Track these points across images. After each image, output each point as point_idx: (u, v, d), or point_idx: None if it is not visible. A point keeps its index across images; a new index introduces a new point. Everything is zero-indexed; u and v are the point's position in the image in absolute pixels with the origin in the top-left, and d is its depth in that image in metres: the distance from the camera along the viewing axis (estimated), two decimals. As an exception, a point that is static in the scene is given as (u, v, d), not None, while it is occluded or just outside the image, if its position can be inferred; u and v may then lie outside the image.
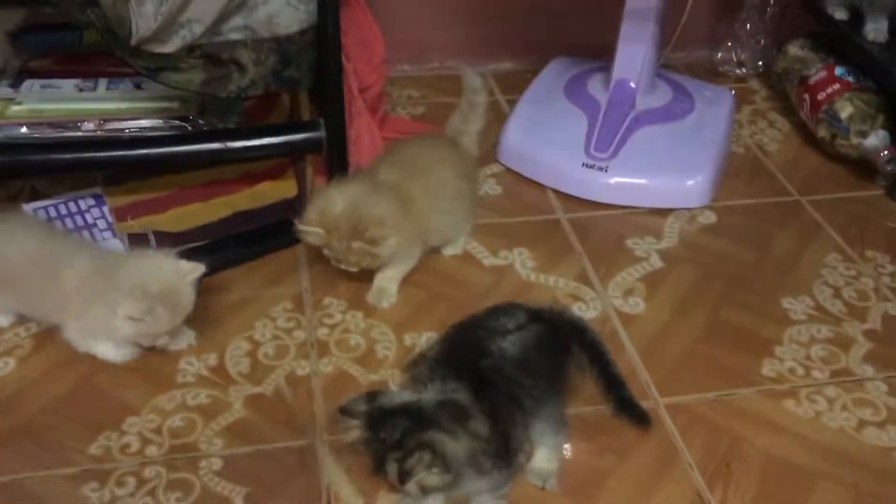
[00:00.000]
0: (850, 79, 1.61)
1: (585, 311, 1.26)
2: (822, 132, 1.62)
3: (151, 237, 1.30)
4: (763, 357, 1.20)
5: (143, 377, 1.13)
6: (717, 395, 1.14)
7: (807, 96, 1.66)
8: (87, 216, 1.34)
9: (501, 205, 1.49)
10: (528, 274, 1.33)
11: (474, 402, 0.89)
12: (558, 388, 0.99)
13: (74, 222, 1.33)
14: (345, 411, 0.89)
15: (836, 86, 1.61)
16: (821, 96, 1.62)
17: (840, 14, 1.66)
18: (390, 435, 0.85)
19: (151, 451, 1.03)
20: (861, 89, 1.59)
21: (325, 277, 1.27)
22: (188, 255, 1.28)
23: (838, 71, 1.63)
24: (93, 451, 1.03)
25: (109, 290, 1.06)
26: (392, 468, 0.84)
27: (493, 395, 0.91)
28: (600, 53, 1.65)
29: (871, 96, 1.57)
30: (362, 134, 1.43)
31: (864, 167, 1.58)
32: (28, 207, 1.33)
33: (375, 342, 1.20)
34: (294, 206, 1.35)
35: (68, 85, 1.38)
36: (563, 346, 1.00)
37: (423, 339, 1.20)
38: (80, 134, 1.30)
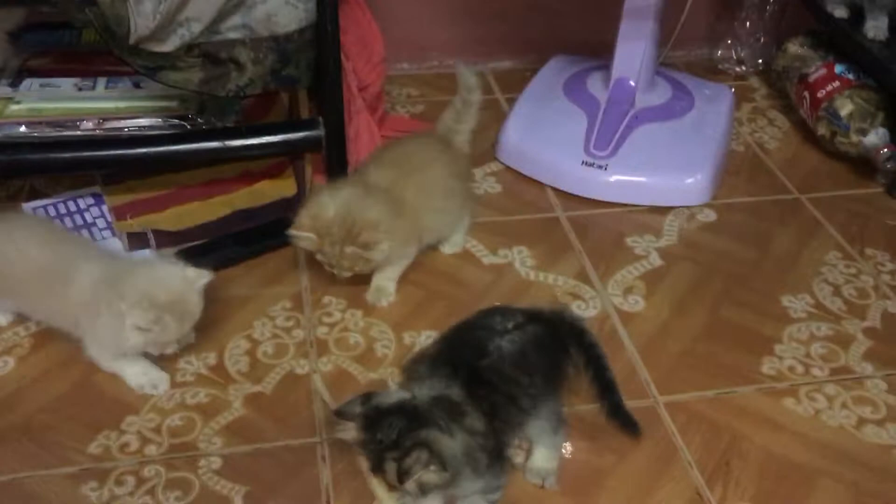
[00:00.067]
0: (850, 76, 1.60)
1: (585, 309, 1.26)
2: (822, 130, 1.62)
3: (150, 236, 1.30)
4: (763, 355, 1.20)
5: (142, 376, 1.13)
6: (716, 394, 1.14)
7: (806, 94, 1.65)
8: (87, 215, 1.34)
9: (501, 203, 1.49)
10: (527, 272, 1.33)
11: (469, 399, 0.89)
12: (556, 387, 0.99)
13: (73, 221, 1.33)
14: (340, 414, 0.88)
15: (836, 83, 1.60)
16: (821, 94, 1.61)
17: (840, 12, 1.66)
18: (387, 435, 0.85)
19: (151, 450, 1.03)
20: (861, 87, 1.58)
21: (324, 276, 1.27)
22: (187, 253, 1.29)
23: (838, 69, 1.63)
24: (92, 450, 1.03)
25: (116, 299, 1.04)
26: (390, 468, 0.84)
27: (490, 394, 0.91)
28: (600, 52, 1.64)
29: (870, 94, 1.57)
30: (361, 132, 1.43)
31: (863, 165, 1.58)
32: (27, 206, 1.33)
33: (374, 341, 1.20)
34: (293, 205, 1.35)
35: (67, 84, 1.38)
36: (560, 346, 1.00)
37: (423, 337, 1.20)
38: (78, 133, 1.30)
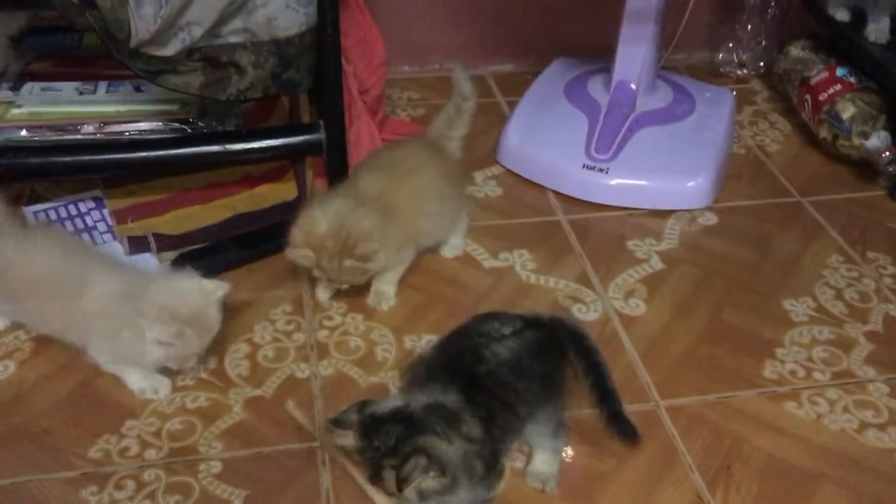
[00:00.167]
0: (852, 79, 1.60)
1: (586, 312, 1.26)
2: (824, 133, 1.61)
3: (151, 239, 1.30)
4: (764, 359, 1.19)
5: (142, 380, 1.13)
6: (717, 397, 1.13)
7: (808, 97, 1.65)
8: (88, 219, 1.34)
9: (502, 206, 1.49)
10: (528, 275, 1.33)
11: (466, 405, 0.89)
12: (554, 393, 0.98)
13: (74, 225, 1.33)
14: (337, 423, 0.88)
15: (838, 86, 1.60)
16: (822, 97, 1.61)
17: (841, 15, 1.66)
18: (384, 442, 0.84)
19: (151, 454, 1.03)
20: (863, 90, 1.58)
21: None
22: (188, 257, 1.29)
23: (840, 72, 1.63)
24: (92, 454, 1.03)
25: (136, 314, 1.03)
26: (389, 475, 0.84)
27: (488, 400, 0.91)
28: (601, 55, 1.64)
29: (872, 97, 1.57)
30: (362, 136, 1.43)
31: (865, 168, 1.57)
32: (28, 210, 1.33)
33: (375, 344, 1.20)
34: (294, 209, 1.35)
35: (68, 88, 1.39)
36: (559, 352, 1.00)
37: (423, 340, 1.20)
38: (79, 137, 1.30)
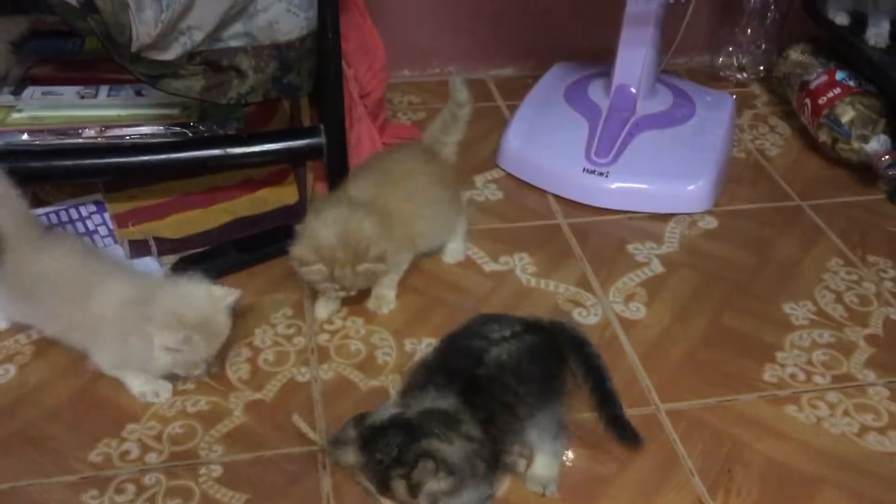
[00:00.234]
0: (852, 83, 1.60)
1: (586, 316, 1.26)
2: (824, 137, 1.62)
3: (152, 243, 1.30)
4: (764, 362, 1.19)
5: (143, 384, 1.13)
6: (718, 401, 1.13)
7: (808, 101, 1.65)
8: (88, 222, 1.34)
9: (502, 210, 1.49)
10: (528, 279, 1.33)
11: (465, 407, 0.89)
12: (554, 396, 0.98)
13: (75, 228, 1.33)
14: (336, 442, 0.88)
15: (838, 90, 1.61)
16: (822, 101, 1.61)
17: (841, 19, 1.66)
18: (386, 454, 0.84)
19: (151, 458, 1.03)
20: (862, 94, 1.59)
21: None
22: (188, 261, 1.29)
23: (839, 75, 1.63)
24: (93, 458, 1.03)
25: (144, 319, 1.03)
26: (399, 485, 0.83)
27: (487, 402, 0.91)
28: (601, 59, 1.65)
29: (872, 101, 1.57)
30: (363, 140, 1.44)
31: (865, 172, 1.58)
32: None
33: (376, 348, 1.20)
34: (294, 213, 1.35)
35: (69, 92, 1.39)
36: (558, 356, 1.00)
37: (424, 344, 1.20)
38: (80, 141, 1.31)
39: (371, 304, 1.26)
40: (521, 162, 1.57)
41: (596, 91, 1.63)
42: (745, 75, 1.92)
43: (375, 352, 1.19)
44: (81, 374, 1.13)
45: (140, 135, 1.32)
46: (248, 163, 1.33)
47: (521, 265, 1.36)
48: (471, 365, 0.94)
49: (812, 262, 1.39)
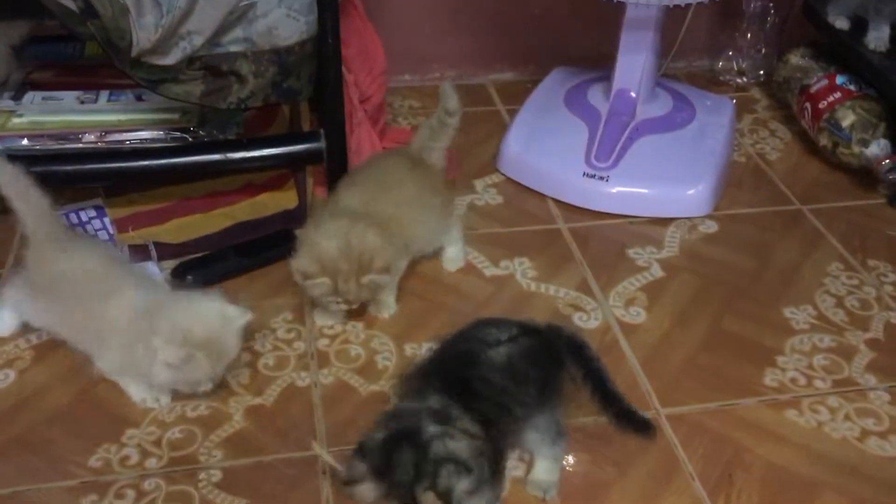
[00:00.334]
0: (852, 87, 1.60)
1: (586, 320, 1.26)
2: (824, 141, 1.62)
3: (152, 248, 1.30)
4: (765, 367, 1.19)
5: (143, 389, 1.13)
6: (718, 405, 1.13)
7: (808, 105, 1.65)
8: (88, 227, 1.34)
9: (502, 214, 1.49)
10: (528, 284, 1.33)
11: (462, 409, 0.89)
12: (551, 398, 0.98)
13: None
14: (349, 481, 0.86)
15: (838, 94, 1.61)
16: (822, 105, 1.61)
17: (841, 23, 1.66)
18: (404, 472, 0.82)
19: (151, 463, 1.03)
20: (862, 98, 1.59)
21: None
22: (188, 265, 1.29)
23: (839, 80, 1.63)
24: (92, 463, 1.03)
25: (150, 334, 1.01)
26: (428, 498, 0.82)
27: (483, 404, 0.91)
28: (601, 63, 1.65)
29: (872, 105, 1.57)
30: (363, 144, 1.44)
31: (865, 176, 1.57)
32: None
33: (376, 353, 1.20)
34: (295, 217, 1.35)
35: (70, 97, 1.39)
36: (555, 359, 1.00)
37: (424, 349, 1.20)
38: (81, 146, 1.31)
39: (371, 308, 1.26)
40: (521, 166, 1.57)
41: (596, 95, 1.63)
42: (745, 79, 1.92)
43: (375, 356, 1.19)
44: (81, 379, 1.13)
45: (140, 140, 1.32)
46: (248, 167, 1.33)
47: (522, 270, 1.36)
48: (467, 368, 0.94)
49: (812, 267, 1.39)
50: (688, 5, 1.41)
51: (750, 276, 1.36)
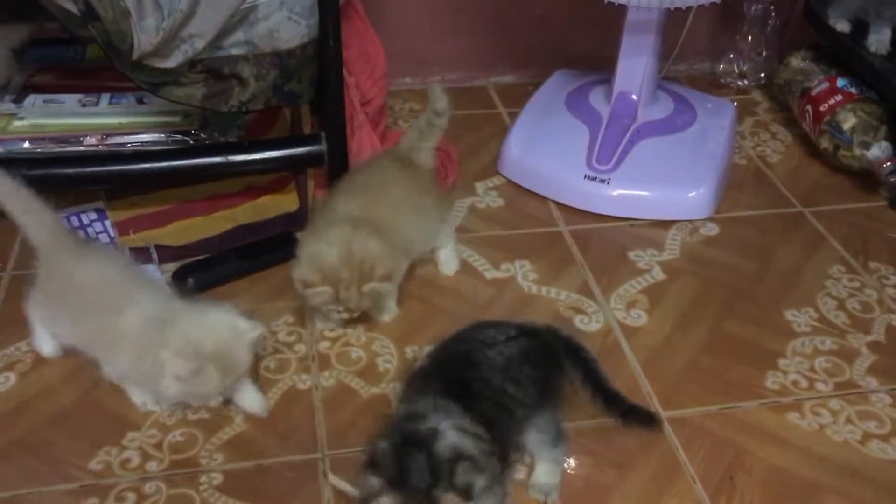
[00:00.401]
0: (853, 90, 1.61)
1: (587, 323, 1.26)
2: (825, 143, 1.62)
3: (153, 251, 1.30)
4: (766, 369, 1.19)
5: (144, 391, 1.13)
6: (720, 408, 1.13)
7: (809, 108, 1.66)
8: (90, 230, 1.34)
9: (503, 217, 1.49)
10: (529, 286, 1.33)
11: (462, 410, 0.88)
12: (551, 400, 0.98)
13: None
14: (366, 499, 0.84)
15: (839, 97, 1.61)
16: (823, 108, 1.62)
17: (842, 26, 1.66)
18: (420, 478, 0.81)
19: (152, 466, 1.03)
20: (863, 100, 1.59)
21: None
22: (189, 268, 1.29)
23: (840, 82, 1.63)
24: (93, 466, 1.03)
25: (159, 346, 0.99)
26: (449, 498, 0.82)
27: (483, 404, 0.90)
28: (602, 66, 1.65)
29: (873, 107, 1.57)
30: (364, 147, 1.44)
31: (866, 178, 1.57)
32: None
33: (377, 355, 1.20)
34: (295, 220, 1.35)
35: (71, 100, 1.39)
36: (554, 360, 1.00)
37: (425, 352, 1.19)
38: (82, 148, 1.30)
39: (373, 312, 1.26)
40: (522, 169, 1.57)
41: (597, 98, 1.63)
42: (745, 82, 1.92)
43: (376, 359, 1.19)
44: (82, 381, 1.13)
45: (141, 142, 1.32)
46: (249, 170, 1.33)
47: (523, 272, 1.36)
48: (467, 369, 0.94)
49: (814, 269, 1.38)
50: (689, 8, 1.41)
51: (751, 278, 1.36)
